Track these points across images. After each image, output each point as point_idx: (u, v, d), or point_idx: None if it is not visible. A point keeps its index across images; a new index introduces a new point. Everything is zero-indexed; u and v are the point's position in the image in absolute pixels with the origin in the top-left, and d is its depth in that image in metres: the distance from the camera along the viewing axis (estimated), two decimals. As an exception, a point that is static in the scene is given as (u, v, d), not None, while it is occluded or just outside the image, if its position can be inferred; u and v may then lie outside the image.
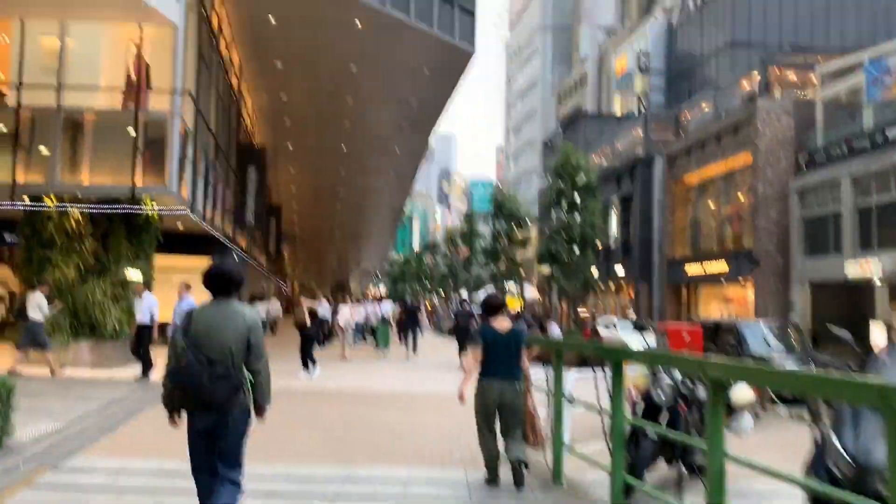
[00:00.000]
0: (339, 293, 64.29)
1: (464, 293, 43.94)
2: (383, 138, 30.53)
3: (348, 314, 20.99)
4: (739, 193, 28.75)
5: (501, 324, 6.22)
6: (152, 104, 15.41)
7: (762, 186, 25.82)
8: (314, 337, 16.41)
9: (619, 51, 62.49)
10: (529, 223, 28.79)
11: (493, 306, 6.42)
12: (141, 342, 12.64)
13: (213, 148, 20.13)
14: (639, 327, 11.97)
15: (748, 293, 30.74)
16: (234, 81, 23.24)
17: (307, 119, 28.44)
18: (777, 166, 25.47)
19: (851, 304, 23.83)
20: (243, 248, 28.90)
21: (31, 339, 12.12)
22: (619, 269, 32.82)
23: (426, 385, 14.04)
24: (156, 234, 16.66)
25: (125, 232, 15.68)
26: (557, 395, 6.41)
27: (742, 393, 7.00)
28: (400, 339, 22.53)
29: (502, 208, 27.65)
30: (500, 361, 6.03)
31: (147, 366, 12.53)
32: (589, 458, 6.06)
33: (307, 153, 33.30)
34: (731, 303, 31.83)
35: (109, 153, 15.30)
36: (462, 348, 18.81)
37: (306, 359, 14.61)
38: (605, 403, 5.70)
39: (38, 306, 12.26)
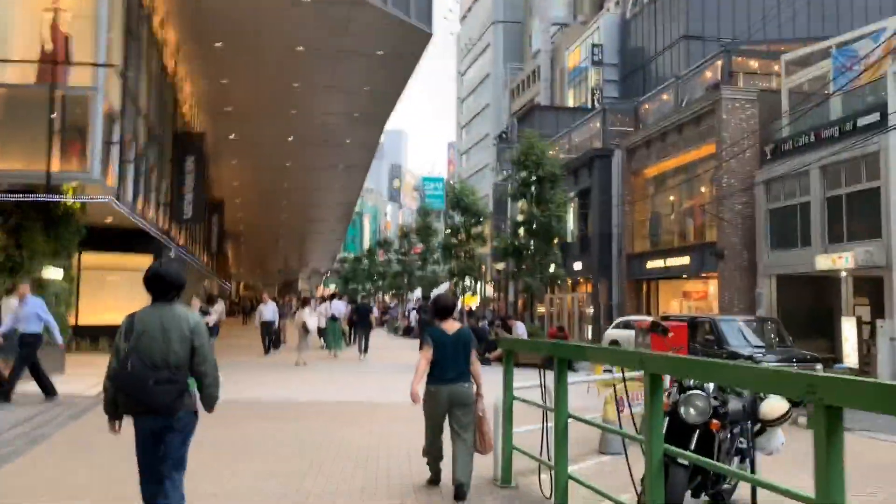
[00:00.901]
0: (290, 294, 62.23)
1: (418, 292, 42.60)
2: (333, 128, 28.93)
3: (315, 314, 19.38)
4: (702, 186, 28.04)
5: (450, 325, 6.14)
6: (72, 80, 13.62)
7: (727, 178, 25.10)
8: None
9: (571, 45, 61.89)
10: (484, 219, 27.56)
11: (444, 307, 6.32)
12: (24, 356, 10.08)
13: (144, 133, 18.32)
14: (656, 327, 11.02)
15: (711, 288, 30.14)
16: (170, 63, 21.39)
17: (251, 106, 26.65)
18: (741, 157, 24.77)
19: (817, 297, 23.28)
20: (182, 245, 26.98)
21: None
22: (577, 265, 31.80)
23: (388, 393, 12.62)
24: (78, 227, 14.88)
25: (42, 225, 13.88)
26: (508, 397, 6.42)
27: (774, 406, 5.85)
28: (350, 340, 21.29)
29: (459, 202, 26.36)
30: (448, 364, 5.96)
31: (44, 383, 10.37)
32: (537, 457, 6.01)
33: (251, 144, 31.47)
34: (692, 298, 31.20)
35: (22, 134, 13.46)
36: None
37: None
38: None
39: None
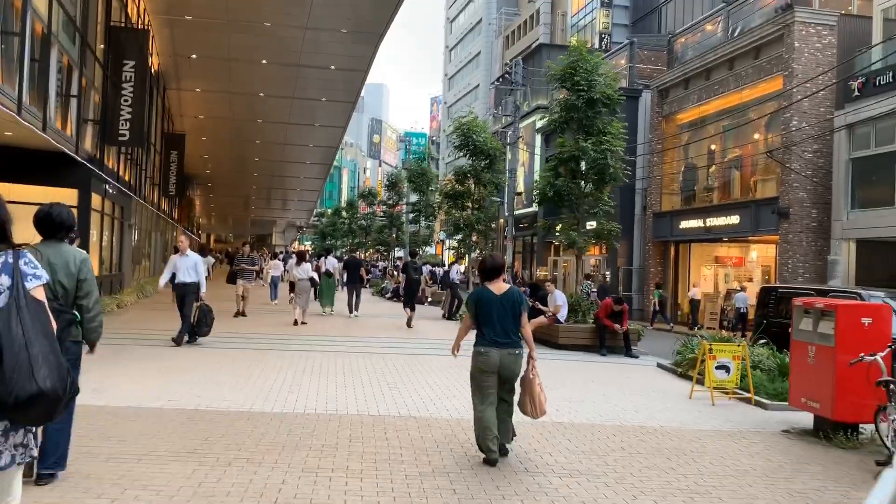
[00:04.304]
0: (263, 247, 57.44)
1: (399, 252, 37.95)
2: (313, 50, 23.93)
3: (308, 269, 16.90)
4: (755, 132, 23.55)
5: (498, 286, 5.92)
6: None
7: (796, 121, 20.61)
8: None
9: (577, -15, 56.60)
10: (498, 162, 22.75)
11: (493, 268, 6.03)
12: None
13: (57, 22, 13.28)
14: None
15: (753, 253, 25.89)
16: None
17: (217, 14, 21.55)
18: (815, 96, 20.29)
19: (897, 268, 19.10)
20: (126, 180, 21.97)
21: None
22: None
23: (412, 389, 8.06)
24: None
25: None
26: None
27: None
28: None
29: (469, 141, 21.55)
30: (497, 326, 5.76)
31: None
32: None
33: (218, 67, 26.31)
34: (726, 264, 26.95)
35: None
36: (409, 304, 16.73)
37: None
38: None
39: None
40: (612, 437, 6.92)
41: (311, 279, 17.25)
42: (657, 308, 25.27)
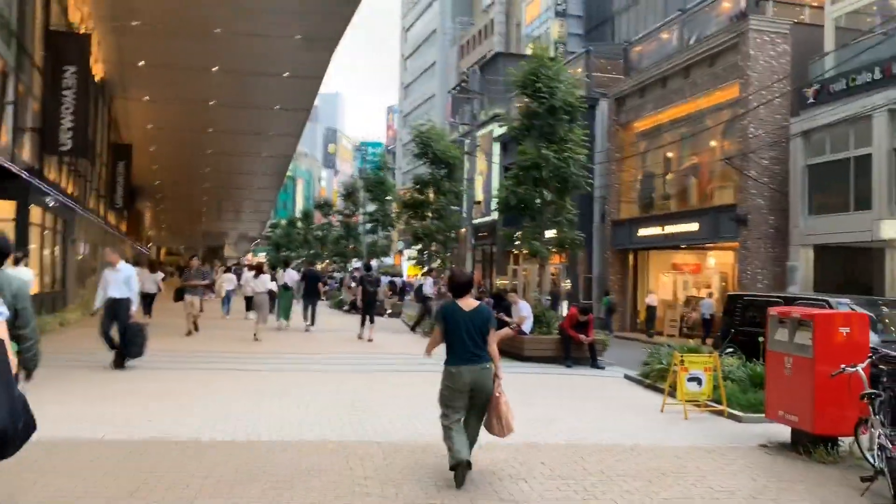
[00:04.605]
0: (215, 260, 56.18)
1: (355, 262, 37.32)
2: (265, 57, 23.31)
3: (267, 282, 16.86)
4: (712, 139, 23.69)
5: (467, 303, 5.85)
6: None
7: (753, 127, 20.73)
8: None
9: (530, -5, 56.90)
10: (457, 170, 22.39)
11: (461, 284, 5.96)
12: None
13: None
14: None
15: (710, 260, 26.00)
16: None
17: (165, 21, 20.81)
18: (771, 103, 20.43)
19: (854, 271, 19.29)
20: (69, 193, 21.00)
21: None
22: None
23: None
24: None
25: None
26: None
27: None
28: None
29: (428, 150, 21.15)
30: (465, 343, 5.67)
31: None
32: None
33: (166, 76, 25.41)
34: (683, 271, 27.03)
35: None
36: (368, 319, 16.39)
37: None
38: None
39: None
40: (588, 459, 6.55)
41: (270, 292, 16.69)
42: (602, 315, 25.18)
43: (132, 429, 7.00)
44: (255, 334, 15.28)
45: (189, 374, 10.64)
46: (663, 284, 27.20)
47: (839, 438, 7.00)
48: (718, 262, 25.55)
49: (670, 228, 24.38)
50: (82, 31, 19.27)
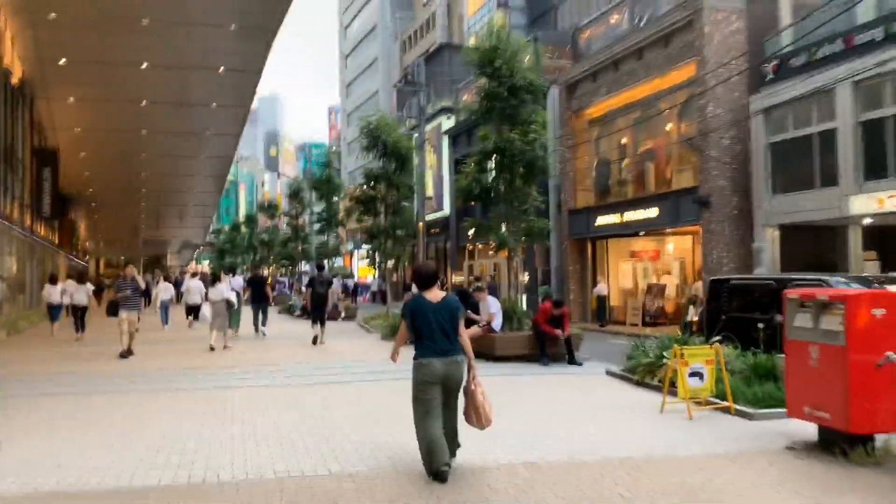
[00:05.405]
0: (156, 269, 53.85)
1: (304, 265, 35.87)
2: (199, 49, 21.82)
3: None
4: (667, 122, 23.11)
5: (434, 294, 5.78)
6: None
7: (711, 107, 20.16)
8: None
9: (472, -13, 56.06)
10: (408, 162, 21.20)
11: (427, 276, 5.94)
12: None
13: None
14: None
15: (669, 245, 25.50)
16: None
17: (85, 12, 19.17)
18: (728, 81, 19.90)
19: (821, 249, 18.90)
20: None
21: None
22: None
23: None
24: None
25: None
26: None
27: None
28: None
29: (378, 141, 19.96)
30: (436, 335, 5.61)
31: None
32: None
33: (92, 73, 23.63)
34: (641, 258, 26.48)
35: None
36: (318, 320, 15.99)
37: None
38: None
39: None
40: (601, 479, 5.56)
41: (227, 301, 15.39)
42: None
43: (44, 472, 5.73)
44: (211, 345, 14.49)
45: (121, 399, 9.31)
46: (623, 273, 26.60)
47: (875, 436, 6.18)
48: (677, 247, 25.07)
49: (629, 215, 23.72)
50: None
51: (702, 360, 8.13)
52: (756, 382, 8.48)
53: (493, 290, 24.23)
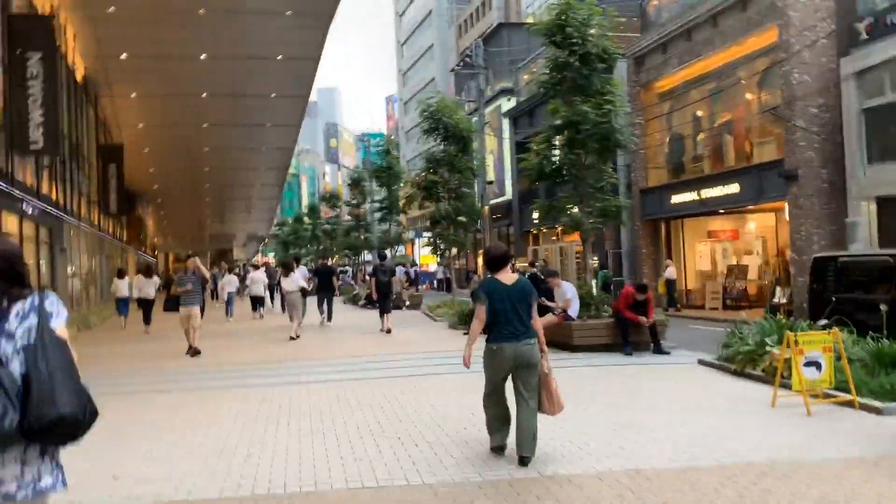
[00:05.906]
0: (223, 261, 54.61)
1: (367, 255, 35.55)
2: (256, 37, 21.49)
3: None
4: (747, 92, 21.68)
5: (507, 276, 5.64)
6: None
7: (797, 73, 18.74)
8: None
9: (531, -35, 54.65)
10: (471, 145, 20.42)
11: (497, 257, 5.76)
12: None
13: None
14: None
15: (750, 223, 24.07)
16: None
17: (143, 5, 19.03)
18: (815, 45, 18.44)
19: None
20: (55, 199, 19.24)
21: None
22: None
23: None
24: None
25: None
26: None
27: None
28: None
29: (439, 125, 19.24)
30: (510, 318, 5.44)
31: None
32: None
33: (152, 67, 23.65)
34: (720, 238, 25.10)
35: None
36: (383, 310, 15.84)
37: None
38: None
39: None
40: (721, 490, 4.72)
41: (303, 290, 15.38)
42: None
43: (96, 484, 5.23)
44: (291, 335, 14.86)
45: (180, 399, 8.87)
46: (700, 254, 25.27)
47: None
48: (759, 225, 23.63)
49: (707, 192, 22.40)
50: (51, 12, 17.43)
51: (819, 348, 7.15)
52: (880, 372, 7.46)
53: (547, 275, 23.24)
